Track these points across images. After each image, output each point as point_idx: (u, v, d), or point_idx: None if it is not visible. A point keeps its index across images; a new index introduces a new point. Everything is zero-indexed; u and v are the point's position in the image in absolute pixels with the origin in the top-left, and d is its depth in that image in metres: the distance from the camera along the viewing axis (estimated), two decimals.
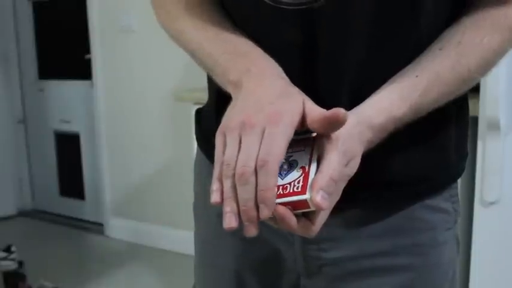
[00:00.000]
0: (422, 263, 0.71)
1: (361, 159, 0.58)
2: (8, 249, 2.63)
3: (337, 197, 0.57)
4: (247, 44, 0.65)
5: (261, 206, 0.52)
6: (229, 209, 0.53)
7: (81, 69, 3.59)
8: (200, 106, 0.82)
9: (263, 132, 0.53)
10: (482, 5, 0.64)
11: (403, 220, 0.70)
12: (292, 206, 0.54)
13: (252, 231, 0.53)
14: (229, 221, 0.53)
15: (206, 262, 0.84)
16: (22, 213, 4.03)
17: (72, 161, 3.80)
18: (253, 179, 0.52)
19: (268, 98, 0.57)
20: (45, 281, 2.60)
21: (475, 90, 1.50)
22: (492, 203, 1.54)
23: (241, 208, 0.53)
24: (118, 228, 3.47)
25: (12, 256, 2.61)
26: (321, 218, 0.56)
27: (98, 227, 3.61)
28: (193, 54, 0.70)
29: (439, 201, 0.72)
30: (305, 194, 0.53)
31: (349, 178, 0.57)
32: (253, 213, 0.52)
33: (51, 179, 3.97)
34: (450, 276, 0.75)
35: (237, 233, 0.75)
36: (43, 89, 3.93)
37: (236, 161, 0.53)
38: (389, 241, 0.70)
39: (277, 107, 0.55)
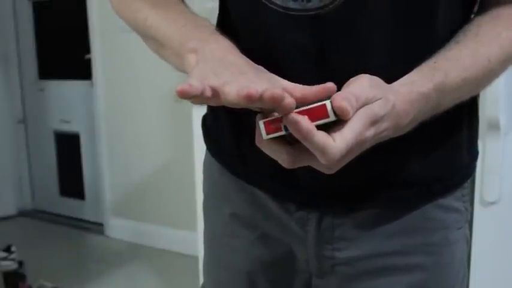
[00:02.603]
0: (435, 263, 0.71)
1: (379, 161, 0.56)
2: (8, 249, 2.63)
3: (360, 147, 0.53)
4: (209, 25, 0.66)
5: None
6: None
7: (81, 69, 3.59)
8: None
9: None
10: (496, 5, 0.64)
11: (417, 219, 0.70)
12: (309, 115, 0.48)
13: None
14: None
15: (216, 263, 0.83)
16: (22, 213, 4.03)
17: (72, 161, 3.80)
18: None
19: (241, 69, 0.56)
20: (45, 281, 2.60)
21: None
22: (492, 203, 1.54)
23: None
24: (118, 228, 3.47)
25: (12, 256, 2.61)
26: (346, 137, 0.49)
27: (98, 227, 3.61)
28: (148, 31, 0.70)
29: (451, 200, 0.72)
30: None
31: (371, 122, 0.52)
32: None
33: (51, 179, 3.97)
34: (461, 277, 0.75)
35: (250, 233, 0.76)
36: (43, 89, 3.93)
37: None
38: (403, 240, 0.70)
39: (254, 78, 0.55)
